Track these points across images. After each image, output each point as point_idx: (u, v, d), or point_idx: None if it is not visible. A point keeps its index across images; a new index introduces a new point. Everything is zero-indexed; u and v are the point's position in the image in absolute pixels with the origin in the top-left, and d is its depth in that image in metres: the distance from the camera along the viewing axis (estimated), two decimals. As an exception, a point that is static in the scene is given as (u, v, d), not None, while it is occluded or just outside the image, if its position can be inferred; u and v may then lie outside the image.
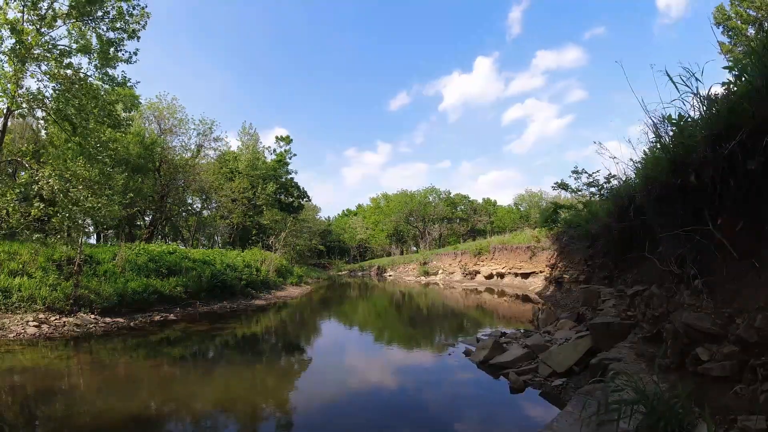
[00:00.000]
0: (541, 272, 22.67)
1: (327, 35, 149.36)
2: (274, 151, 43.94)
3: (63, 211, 10.96)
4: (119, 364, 7.98)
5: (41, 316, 10.33)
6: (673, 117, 5.15)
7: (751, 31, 19.31)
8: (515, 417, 5.58)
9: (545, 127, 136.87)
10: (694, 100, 4.80)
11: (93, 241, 31.13)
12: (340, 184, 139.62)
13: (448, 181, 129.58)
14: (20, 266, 11.70)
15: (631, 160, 7.30)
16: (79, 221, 11.92)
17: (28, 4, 11.09)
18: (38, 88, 11.77)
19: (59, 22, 11.70)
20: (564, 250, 17.00)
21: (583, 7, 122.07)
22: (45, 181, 10.70)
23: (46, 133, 18.19)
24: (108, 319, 11.31)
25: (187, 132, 30.32)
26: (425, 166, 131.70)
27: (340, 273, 53.70)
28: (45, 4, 11.40)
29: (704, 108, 4.70)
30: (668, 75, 4.77)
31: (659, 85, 5.04)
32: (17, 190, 11.46)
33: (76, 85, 11.96)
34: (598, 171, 13.69)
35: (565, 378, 6.08)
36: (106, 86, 13.06)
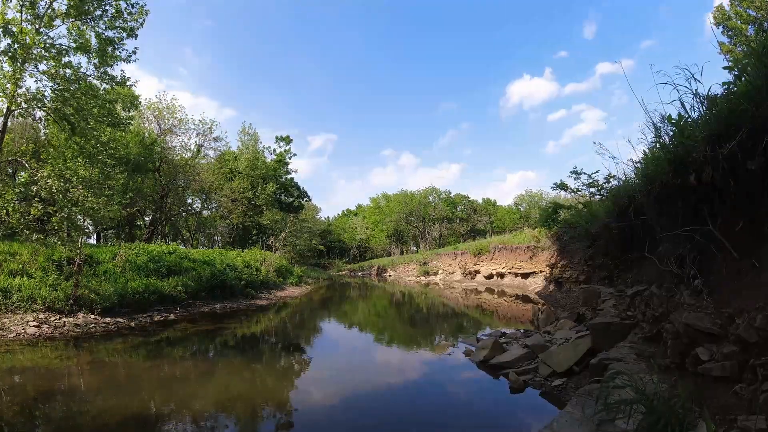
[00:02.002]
0: (541, 272, 22.67)
1: (401, 39, 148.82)
2: (274, 151, 43.94)
3: (62, 211, 10.95)
4: (119, 364, 7.98)
5: (41, 316, 10.33)
6: (673, 117, 5.16)
7: (751, 31, 19.30)
8: (515, 417, 5.58)
9: (586, 129, 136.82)
10: (694, 101, 4.81)
11: (93, 241, 31.14)
12: (368, 183, 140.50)
13: (476, 181, 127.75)
14: (20, 266, 11.70)
15: (631, 160, 7.30)
16: (78, 222, 11.89)
17: (27, 3, 11.07)
18: (38, 88, 11.76)
19: (58, 21, 11.70)
20: (564, 250, 17.00)
21: (643, 21, 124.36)
22: (44, 181, 10.69)
23: (45, 133, 18.19)
24: (108, 319, 11.30)
25: (187, 132, 30.31)
26: (459, 167, 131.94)
27: (340, 273, 53.68)
28: (43, 4, 11.39)
29: (704, 108, 4.70)
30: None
31: (660, 85, 5.02)
32: (17, 190, 11.45)
33: (75, 85, 11.94)
34: (597, 171, 13.69)
35: (565, 378, 6.08)
36: (106, 85, 13.05)
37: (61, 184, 10.83)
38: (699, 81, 4.69)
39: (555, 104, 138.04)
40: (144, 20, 12.94)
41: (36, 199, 11.09)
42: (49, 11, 11.46)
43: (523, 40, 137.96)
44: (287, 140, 44.56)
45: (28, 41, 10.95)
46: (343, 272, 54.46)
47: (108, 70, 12.74)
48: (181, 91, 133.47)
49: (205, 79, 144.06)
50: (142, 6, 12.69)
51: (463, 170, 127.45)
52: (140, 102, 27.47)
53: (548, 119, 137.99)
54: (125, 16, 12.47)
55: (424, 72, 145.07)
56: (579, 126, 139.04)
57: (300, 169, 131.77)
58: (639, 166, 6.62)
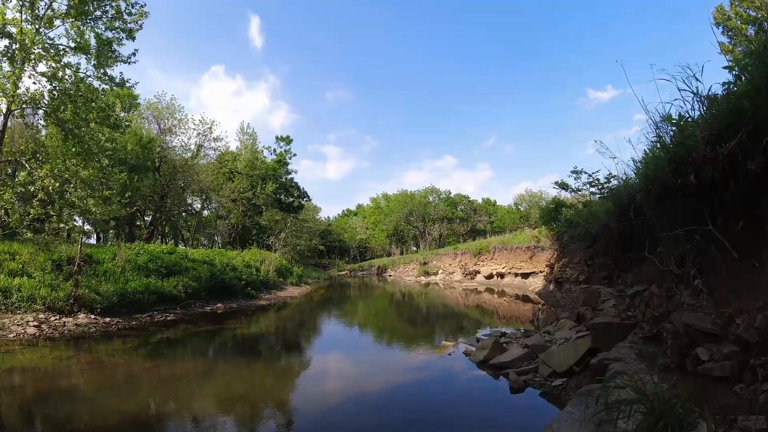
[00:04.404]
0: (541, 272, 22.67)
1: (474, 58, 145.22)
2: (274, 151, 44.00)
3: (59, 212, 10.95)
4: (119, 364, 7.97)
5: (41, 316, 10.33)
6: (673, 117, 5.15)
7: (751, 31, 19.30)
8: (515, 417, 5.58)
9: (625, 132, 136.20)
10: (694, 100, 4.81)
11: (93, 241, 31.17)
12: (402, 183, 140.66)
13: (504, 182, 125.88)
14: (20, 266, 11.70)
15: (632, 159, 7.31)
16: (75, 224, 11.88)
17: (26, 3, 11.06)
18: (37, 89, 11.73)
19: (57, 21, 11.68)
20: (564, 250, 17.00)
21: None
22: (41, 182, 10.68)
23: (44, 134, 18.18)
24: (108, 319, 11.30)
25: (186, 132, 30.27)
26: (496, 168, 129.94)
27: (340, 273, 53.66)
28: (43, 4, 11.38)
29: (704, 108, 4.70)
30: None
31: (660, 85, 5.02)
32: (17, 190, 11.43)
33: (73, 88, 11.91)
34: (598, 171, 13.70)
35: (565, 378, 6.08)
36: (105, 86, 13.03)
37: (57, 185, 10.81)
38: (699, 81, 4.70)
39: (613, 106, 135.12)
40: (143, 22, 12.93)
41: (35, 199, 11.09)
42: (48, 11, 11.46)
43: (600, 43, 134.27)
44: (287, 140, 44.62)
45: (27, 41, 10.94)
46: (343, 272, 54.45)
47: (107, 70, 12.73)
48: (262, 93, 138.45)
49: (287, 83, 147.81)
50: (141, 7, 12.69)
51: (498, 171, 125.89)
52: (139, 102, 27.48)
53: (602, 120, 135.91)
54: (125, 17, 12.46)
55: (489, 72, 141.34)
56: (633, 128, 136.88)
57: (343, 170, 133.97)
58: (639, 165, 6.63)
